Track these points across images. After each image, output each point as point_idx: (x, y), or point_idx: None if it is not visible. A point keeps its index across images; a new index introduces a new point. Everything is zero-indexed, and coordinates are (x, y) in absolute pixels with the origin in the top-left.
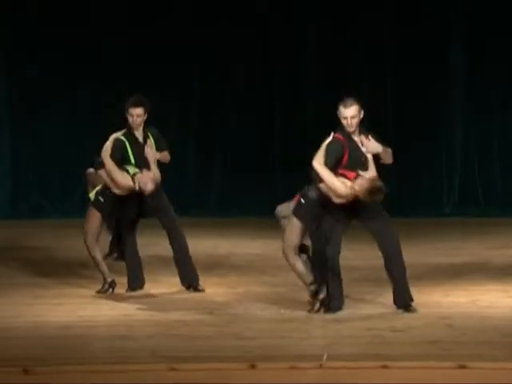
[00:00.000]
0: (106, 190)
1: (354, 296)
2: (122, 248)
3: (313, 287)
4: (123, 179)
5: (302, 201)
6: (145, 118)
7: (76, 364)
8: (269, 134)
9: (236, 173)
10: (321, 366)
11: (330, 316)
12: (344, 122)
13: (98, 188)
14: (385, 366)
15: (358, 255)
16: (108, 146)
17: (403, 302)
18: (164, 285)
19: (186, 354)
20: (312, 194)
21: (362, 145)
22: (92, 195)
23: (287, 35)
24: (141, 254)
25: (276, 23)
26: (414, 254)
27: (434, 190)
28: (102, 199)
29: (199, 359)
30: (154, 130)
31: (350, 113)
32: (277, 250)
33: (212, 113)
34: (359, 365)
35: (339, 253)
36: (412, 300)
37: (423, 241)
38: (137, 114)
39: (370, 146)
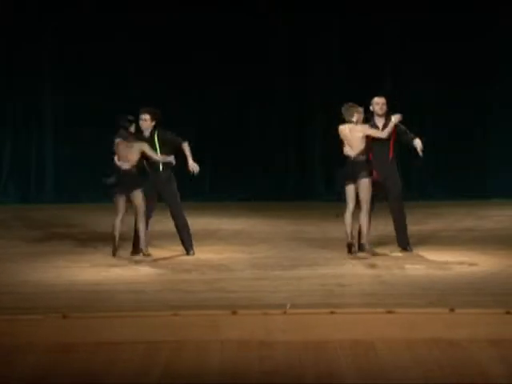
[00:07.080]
0: None
1: (310, 260)
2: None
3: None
4: None
5: None
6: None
7: (103, 311)
8: (247, 136)
9: (224, 167)
10: (285, 312)
11: (292, 275)
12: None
13: None
14: (332, 312)
15: (316, 230)
16: None
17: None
18: (168, 252)
19: (185, 303)
20: None
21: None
22: None
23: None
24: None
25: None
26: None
27: None
28: None
29: (195, 307)
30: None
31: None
32: (254, 226)
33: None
34: (314, 311)
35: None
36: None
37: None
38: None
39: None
